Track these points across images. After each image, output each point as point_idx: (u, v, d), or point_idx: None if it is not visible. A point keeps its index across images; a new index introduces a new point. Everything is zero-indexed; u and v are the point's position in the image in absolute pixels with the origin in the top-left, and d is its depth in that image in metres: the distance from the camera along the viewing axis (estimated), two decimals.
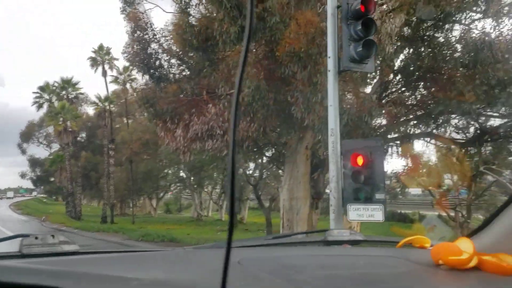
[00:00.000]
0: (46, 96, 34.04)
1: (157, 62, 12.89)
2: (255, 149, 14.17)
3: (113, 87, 36.69)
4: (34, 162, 57.11)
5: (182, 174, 34.88)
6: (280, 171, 20.80)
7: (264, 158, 20.81)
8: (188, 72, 12.53)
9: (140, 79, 16.46)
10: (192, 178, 31.85)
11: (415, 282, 1.03)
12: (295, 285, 0.96)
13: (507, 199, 1.19)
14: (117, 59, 34.21)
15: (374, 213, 4.88)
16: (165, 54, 13.02)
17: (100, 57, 33.36)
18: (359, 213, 5.03)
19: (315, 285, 0.96)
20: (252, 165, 23.38)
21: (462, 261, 1.05)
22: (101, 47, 33.54)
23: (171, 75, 13.04)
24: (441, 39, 11.42)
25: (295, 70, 9.32)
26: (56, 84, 34.35)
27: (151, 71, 12.89)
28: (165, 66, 13.02)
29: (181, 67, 12.49)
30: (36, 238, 1.26)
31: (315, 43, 9.06)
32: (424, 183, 12.81)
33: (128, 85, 36.18)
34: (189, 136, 11.47)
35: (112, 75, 35.06)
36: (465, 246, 1.09)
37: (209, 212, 40.50)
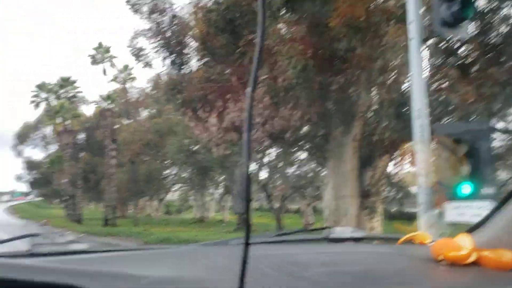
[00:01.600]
0: (44, 94, 33.26)
1: (178, 47, 11.92)
2: (295, 142, 13.04)
3: (113, 86, 36.03)
4: (30, 165, 55.96)
5: (184, 175, 34.17)
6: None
7: (296, 153, 19.36)
8: (214, 57, 11.37)
9: (160, 66, 15.24)
10: (196, 178, 31.17)
11: (416, 277, 1.05)
12: (300, 281, 0.98)
13: (506, 194, 1.18)
14: (116, 57, 33.59)
15: (481, 212, 3.91)
16: (187, 37, 12.00)
17: (100, 55, 32.67)
18: (459, 211, 4.20)
19: (319, 282, 0.98)
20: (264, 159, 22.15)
21: (461, 257, 1.07)
22: (100, 45, 32.84)
23: (195, 61, 12.06)
24: None
25: (353, 45, 8.07)
26: (55, 83, 33.62)
27: (172, 56, 11.95)
28: (187, 51, 12.04)
29: (205, 52, 11.39)
30: (45, 237, 1.31)
31: (378, 8, 7.90)
32: None
33: (128, 84, 35.57)
34: (224, 126, 10.48)
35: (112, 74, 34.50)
36: (465, 242, 1.11)
37: (211, 213, 39.89)
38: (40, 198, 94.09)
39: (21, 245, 1.34)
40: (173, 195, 51.22)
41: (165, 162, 35.48)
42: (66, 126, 30.22)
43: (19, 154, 53.31)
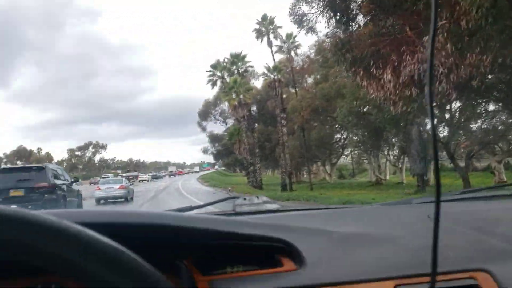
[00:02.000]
0: (218, 73, 35.93)
1: (343, 4, 11.31)
2: (483, 92, 11.65)
3: (278, 57, 36.94)
4: (213, 138, 62.09)
5: (355, 138, 33.54)
6: None
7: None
8: (383, 9, 10.48)
9: (324, 28, 14.89)
10: (368, 140, 30.29)
11: None
12: (491, 237, 0.97)
13: None
14: (280, 27, 34.22)
15: None
16: None
17: (265, 28, 33.67)
18: None
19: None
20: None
21: None
22: (264, 17, 33.80)
23: (361, 17, 11.37)
24: None
25: None
26: (226, 60, 36.02)
27: (337, 15, 11.45)
28: (353, 7, 11.39)
29: (373, 5, 10.60)
30: (245, 199, 1.41)
31: None
32: None
33: (292, 53, 36.01)
34: (401, 81, 9.69)
35: (276, 45, 35.34)
36: None
37: (386, 176, 38.53)
38: (223, 168, 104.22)
39: (224, 206, 1.54)
40: (345, 159, 51.10)
41: (335, 127, 35.39)
42: (240, 100, 32.16)
43: (203, 129, 59.46)
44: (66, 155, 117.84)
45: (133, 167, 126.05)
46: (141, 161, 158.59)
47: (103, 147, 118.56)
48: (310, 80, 39.28)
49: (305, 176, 43.29)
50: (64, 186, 14.83)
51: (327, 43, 27.31)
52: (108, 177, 37.96)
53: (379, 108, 20.17)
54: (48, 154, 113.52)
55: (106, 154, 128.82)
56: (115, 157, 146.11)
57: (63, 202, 13.96)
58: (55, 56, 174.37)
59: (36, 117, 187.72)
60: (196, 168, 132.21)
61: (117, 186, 24.00)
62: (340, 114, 26.77)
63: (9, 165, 17.50)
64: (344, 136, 37.10)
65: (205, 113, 56.27)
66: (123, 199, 23.64)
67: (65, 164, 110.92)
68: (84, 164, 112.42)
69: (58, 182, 14.23)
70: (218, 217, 0.96)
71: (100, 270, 0.38)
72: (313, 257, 0.85)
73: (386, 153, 35.30)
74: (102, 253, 0.38)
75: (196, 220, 0.87)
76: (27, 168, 15.10)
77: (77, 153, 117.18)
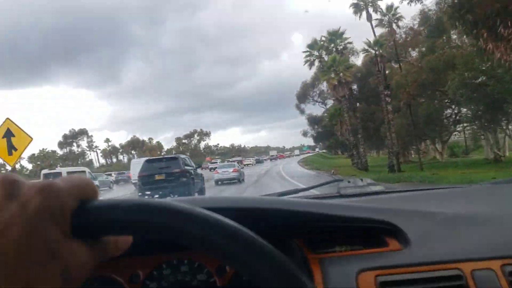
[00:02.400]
0: (315, 52, 35.05)
1: None
2: None
3: (379, 31, 35.00)
4: (312, 120, 61.44)
5: (469, 112, 30.68)
6: None
7: None
8: None
9: None
10: (485, 114, 27.47)
11: None
12: None
13: None
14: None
15: None
16: None
17: (363, 1, 32.03)
18: None
19: None
20: None
21: None
22: None
23: None
24: None
25: None
26: (323, 39, 34.93)
27: None
28: None
29: None
30: (349, 181, 1.43)
31: None
32: None
33: (394, 26, 33.91)
34: None
35: (376, 19, 33.49)
36: None
37: (505, 152, 34.89)
38: (324, 151, 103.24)
39: (328, 190, 1.61)
40: (457, 136, 47.40)
41: (445, 101, 32.73)
42: (340, 79, 30.99)
43: (301, 112, 59.02)
44: (174, 144, 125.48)
45: (235, 153, 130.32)
46: (242, 146, 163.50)
47: (207, 134, 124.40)
48: (414, 53, 36.78)
49: (412, 156, 40.88)
50: (192, 171, 18.33)
51: (433, 11, 25.10)
52: (216, 163, 46.90)
53: (497, 78, 18.08)
54: (158, 143, 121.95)
55: (210, 141, 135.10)
56: (218, 144, 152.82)
57: (192, 183, 17.38)
58: (159, 50, 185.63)
59: (145, 110, 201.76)
60: (296, 152, 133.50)
61: (231, 169, 27.98)
62: (451, 88, 24.61)
63: (152, 157, 24.75)
64: (456, 111, 34.19)
65: (303, 95, 55.72)
66: (236, 180, 27.44)
67: (174, 151, 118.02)
68: (190, 151, 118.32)
69: (187, 168, 17.71)
70: (325, 201, 1.01)
71: (239, 251, 0.41)
72: (418, 237, 0.87)
73: (505, 127, 31.89)
74: (241, 238, 0.42)
75: (306, 204, 0.94)
76: (165, 158, 19.28)
77: (184, 141, 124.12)
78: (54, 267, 0.39)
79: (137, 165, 24.02)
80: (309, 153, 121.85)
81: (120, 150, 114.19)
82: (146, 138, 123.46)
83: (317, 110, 59.87)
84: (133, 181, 26.08)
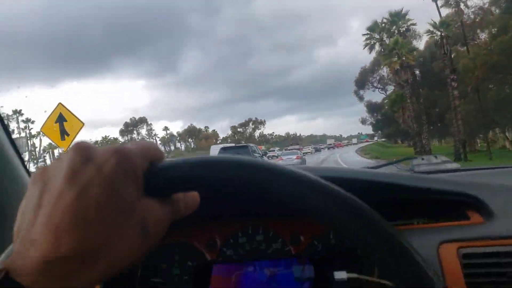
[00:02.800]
0: (376, 35, 33.43)
1: None
2: None
3: (445, 11, 32.82)
4: (371, 107, 59.41)
5: None
6: None
7: None
8: None
9: None
10: None
11: None
12: None
13: None
14: None
15: None
16: None
17: None
18: None
19: None
20: None
21: None
22: None
23: None
24: None
25: None
26: (385, 21, 33.16)
27: None
28: None
29: None
30: (422, 159, 1.44)
31: None
32: None
33: (462, 5, 31.67)
34: None
35: None
36: None
37: None
38: (383, 139, 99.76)
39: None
40: None
41: None
42: (403, 63, 29.33)
43: (360, 98, 57.14)
44: (230, 132, 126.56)
45: (291, 141, 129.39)
46: (298, 134, 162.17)
47: (262, 122, 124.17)
48: (483, 35, 34.25)
49: (479, 145, 38.38)
50: (258, 158, 21.66)
51: None
52: (274, 151, 51.90)
53: None
54: (214, 131, 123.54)
55: (265, 129, 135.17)
56: (273, 132, 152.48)
57: None
58: (215, 39, 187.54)
59: (202, 99, 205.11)
60: (354, 140, 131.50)
61: (294, 157, 30.41)
62: None
63: (227, 145, 30.45)
64: None
65: (362, 81, 53.92)
66: None
67: (229, 140, 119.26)
68: (245, 139, 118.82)
69: (255, 155, 19.90)
70: (406, 174, 0.99)
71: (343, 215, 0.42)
72: (502, 210, 0.84)
73: None
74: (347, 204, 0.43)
75: (389, 176, 0.92)
76: (237, 146, 21.73)
77: (239, 129, 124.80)
78: (132, 223, 0.42)
79: (215, 150, 29.07)
80: (367, 141, 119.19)
81: (178, 138, 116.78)
82: (202, 127, 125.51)
83: (376, 96, 57.82)
84: None
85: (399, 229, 0.83)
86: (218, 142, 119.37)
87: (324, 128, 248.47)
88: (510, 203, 0.87)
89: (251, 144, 23.90)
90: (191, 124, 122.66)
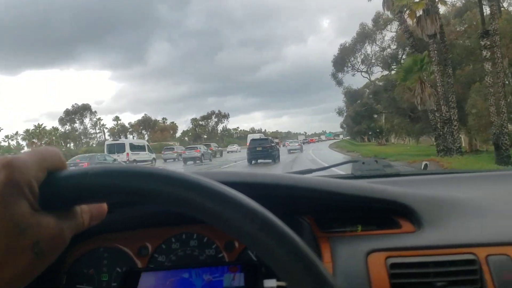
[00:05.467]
0: None
1: None
2: None
3: None
4: (351, 95, 48.76)
5: None
6: None
7: None
8: None
9: None
10: None
11: None
12: None
13: None
14: None
15: None
16: None
17: None
18: None
19: None
20: None
21: None
22: None
23: None
24: None
25: None
26: None
27: None
28: None
29: None
30: (363, 163, 1.44)
31: None
32: None
33: None
34: None
35: None
36: None
37: None
38: (348, 137, 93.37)
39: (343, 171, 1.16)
40: None
41: None
42: (429, 7, 19.11)
43: (339, 83, 46.14)
44: (190, 125, 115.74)
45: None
46: (263, 130, 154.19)
47: (225, 116, 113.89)
48: None
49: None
50: (275, 146, 28.66)
51: None
52: (234, 146, 63.27)
53: None
54: (173, 123, 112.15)
55: (229, 124, 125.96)
56: (238, 127, 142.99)
57: (276, 153, 27.19)
58: (184, 32, 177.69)
59: (169, 92, 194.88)
60: (323, 137, 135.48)
61: (297, 144, 45.27)
62: None
63: (257, 137, 36.19)
64: None
65: (342, 60, 43.23)
66: (298, 151, 41.26)
67: (190, 133, 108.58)
68: (208, 133, 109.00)
69: (272, 144, 27.53)
70: (336, 180, 0.95)
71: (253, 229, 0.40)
72: (432, 220, 0.85)
73: None
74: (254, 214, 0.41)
75: (316, 182, 0.90)
76: (262, 139, 29.41)
77: (200, 122, 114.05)
78: (24, 242, 0.38)
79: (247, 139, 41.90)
80: (334, 139, 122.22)
81: (130, 129, 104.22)
82: (160, 118, 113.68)
83: (357, 82, 47.92)
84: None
85: (329, 236, 0.87)
86: (177, 135, 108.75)
87: (289, 126, 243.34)
88: (440, 213, 0.87)
89: (270, 137, 33.55)
90: (146, 114, 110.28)
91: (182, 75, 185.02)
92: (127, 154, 30.68)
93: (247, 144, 30.34)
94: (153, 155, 34.04)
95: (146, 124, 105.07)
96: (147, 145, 35.23)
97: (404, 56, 29.98)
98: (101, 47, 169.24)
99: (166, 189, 0.40)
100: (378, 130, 56.05)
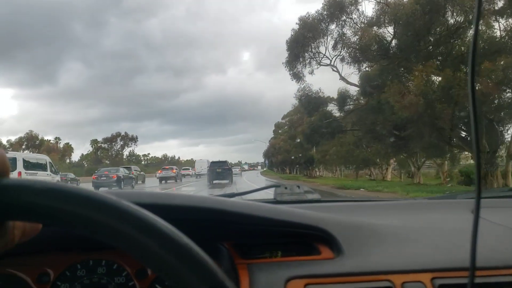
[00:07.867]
0: None
1: None
2: None
3: None
4: (308, 100, 42.26)
5: None
6: None
7: None
8: None
9: None
10: None
11: None
12: None
13: None
14: None
15: None
16: None
17: None
18: None
19: None
20: None
21: None
22: None
23: None
24: None
25: None
26: None
27: None
28: None
29: None
30: (286, 188, 1.42)
31: None
32: None
33: None
34: None
35: None
36: None
37: None
38: (264, 169, 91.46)
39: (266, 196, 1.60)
40: None
41: None
42: None
43: (296, 76, 27.43)
44: (90, 148, 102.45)
45: (168, 164, 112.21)
46: (176, 158, 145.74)
47: (133, 139, 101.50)
48: None
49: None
50: (231, 169, 34.90)
51: None
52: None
53: None
54: (68, 145, 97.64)
55: (137, 148, 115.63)
56: (148, 153, 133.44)
57: (231, 175, 32.66)
58: (99, 53, 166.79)
59: (80, 115, 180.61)
60: (245, 167, 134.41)
61: (238, 169, 57.47)
62: None
63: (214, 161, 35.84)
64: None
65: (301, 44, 21.49)
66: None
67: (89, 158, 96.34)
68: (111, 159, 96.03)
69: (229, 167, 34.00)
70: (257, 203, 0.93)
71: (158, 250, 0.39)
72: (351, 247, 0.86)
73: None
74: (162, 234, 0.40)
75: (237, 205, 0.88)
76: (221, 162, 34.07)
77: (103, 145, 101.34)
78: None
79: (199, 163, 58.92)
80: (253, 169, 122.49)
81: (8, 147, 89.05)
82: (52, 138, 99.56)
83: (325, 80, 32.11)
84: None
85: (248, 263, 0.84)
86: (72, 160, 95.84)
87: (204, 155, 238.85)
88: (359, 239, 0.87)
89: (228, 161, 36.73)
90: (31, 131, 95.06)
91: (95, 97, 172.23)
92: (19, 173, 22.37)
93: (195, 169, 32.94)
94: (58, 177, 26.61)
95: (30, 142, 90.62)
96: (50, 162, 27.16)
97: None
98: (6, 63, 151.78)
99: (66, 208, 0.37)
100: (304, 161, 52.19)
